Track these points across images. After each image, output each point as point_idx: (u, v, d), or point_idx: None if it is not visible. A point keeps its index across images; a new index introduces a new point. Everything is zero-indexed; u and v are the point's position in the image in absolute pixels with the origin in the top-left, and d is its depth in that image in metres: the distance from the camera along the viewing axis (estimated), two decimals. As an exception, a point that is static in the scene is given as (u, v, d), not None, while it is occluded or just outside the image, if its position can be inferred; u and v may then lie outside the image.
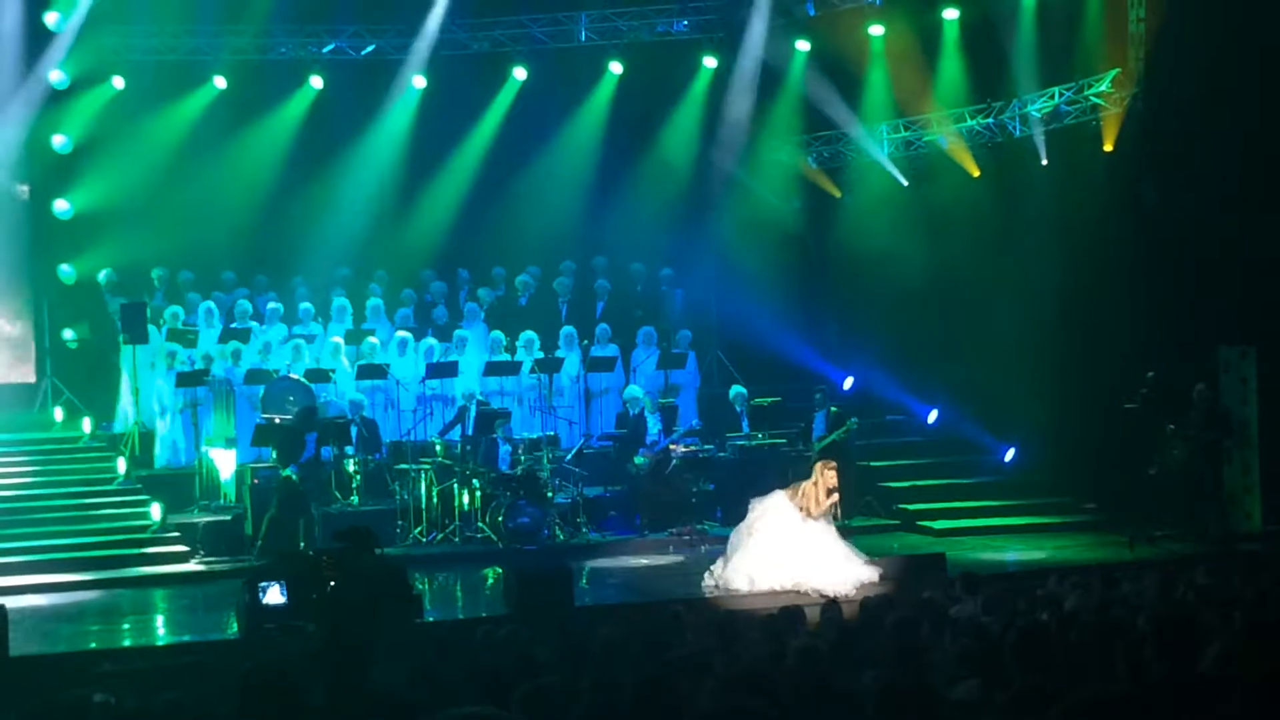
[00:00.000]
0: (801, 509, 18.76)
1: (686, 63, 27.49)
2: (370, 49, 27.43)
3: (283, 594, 16.23)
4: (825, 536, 18.80)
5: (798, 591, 17.95)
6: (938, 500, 23.79)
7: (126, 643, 17.53)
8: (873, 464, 24.52)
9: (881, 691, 7.09)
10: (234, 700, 7.43)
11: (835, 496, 18.95)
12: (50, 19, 25.08)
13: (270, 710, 6.42)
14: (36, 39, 25.11)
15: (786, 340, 25.89)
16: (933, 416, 25.78)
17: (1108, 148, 23.14)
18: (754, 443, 23.82)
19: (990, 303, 24.50)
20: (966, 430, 25.02)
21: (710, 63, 27.31)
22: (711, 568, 18.95)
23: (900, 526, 23.29)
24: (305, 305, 25.40)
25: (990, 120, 24.56)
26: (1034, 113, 23.90)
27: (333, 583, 16.17)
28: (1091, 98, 23.25)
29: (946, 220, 25.11)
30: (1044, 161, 23.97)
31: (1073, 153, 23.74)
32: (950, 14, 24.75)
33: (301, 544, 20.25)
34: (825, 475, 18.89)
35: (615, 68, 27.46)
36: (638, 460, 23.15)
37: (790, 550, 18.56)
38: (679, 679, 7.78)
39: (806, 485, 18.91)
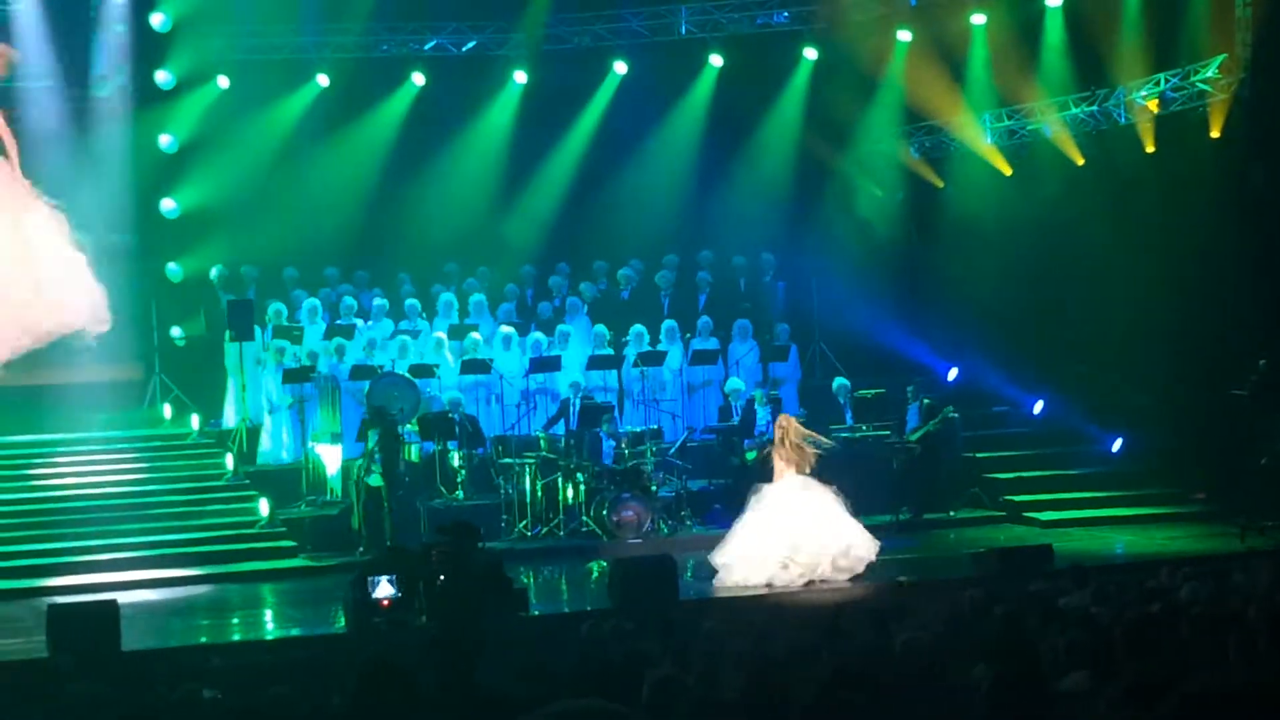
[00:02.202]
0: (795, 467, 18.80)
1: (787, 54, 27.37)
2: (471, 45, 27.53)
3: (394, 588, 16.31)
4: (830, 506, 18.96)
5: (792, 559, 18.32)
6: (1044, 491, 23.59)
7: (236, 637, 17.72)
8: (978, 455, 24.36)
9: (993, 683, 7.04)
10: (343, 694, 7.47)
11: (802, 440, 18.95)
12: (156, 20, 25.38)
13: (385, 703, 6.45)
14: (143, 40, 25.40)
15: (889, 332, 25.76)
16: (1039, 407, 25.56)
17: (1214, 134, 22.86)
18: (858, 435, 23.72)
19: (1096, 292, 24.29)
20: (1073, 420, 24.80)
21: (811, 54, 27.18)
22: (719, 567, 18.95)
23: (1006, 518, 23.13)
24: (409, 301, 25.53)
25: (1094, 108, 24.31)
26: (1139, 100, 23.64)
27: (442, 577, 16.25)
28: (1198, 84, 22.97)
29: (1050, 209, 24.92)
30: (1149, 149, 23.71)
31: (1179, 140, 23.47)
32: (1053, 1, 24.52)
33: (388, 540, 20.46)
34: (786, 429, 18.98)
35: (716, 60, 27.41)
36: (748, 454, 23.09)
37: (790, 518, 18.72)
38: (785, 672, 7.76)
39: (780, 450, 18.90)
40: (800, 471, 18.89)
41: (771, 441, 19.24)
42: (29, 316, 24.26)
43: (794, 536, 18.65)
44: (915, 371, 24.93)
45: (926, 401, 23.58)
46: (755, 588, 18.34)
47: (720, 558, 18.79)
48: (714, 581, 18.66)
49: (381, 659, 6.57)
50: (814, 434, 19.31)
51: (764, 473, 19.33)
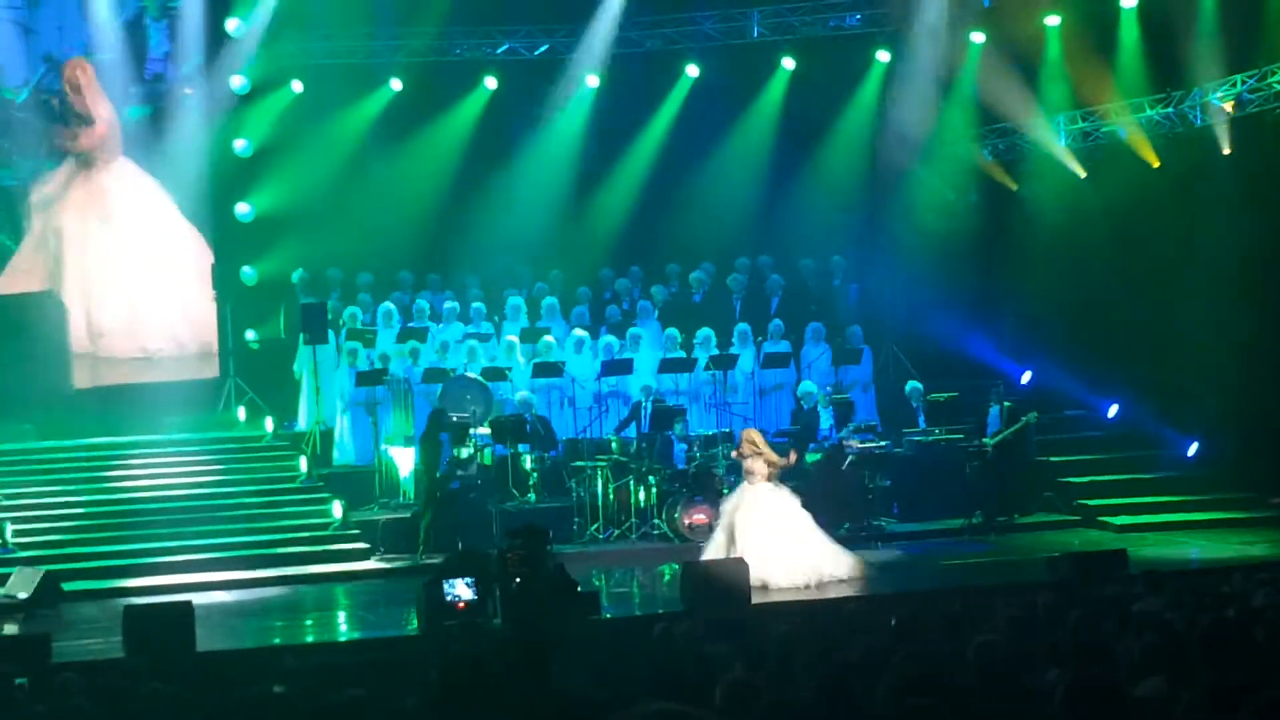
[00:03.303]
0: (766, 477, 18.83)
1: (860, 57, 27.30)
2: (543, 49, 27.59)
3: (471, 590, 16.36)
4: (806, 524, 19.06)
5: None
6: (1119, 496, 23.44)
7: (309, 639, 17.81)
8: (1052, 459, 24.23)
9: (1069, 689, 7.00)
10: (425, 689, 7.49)
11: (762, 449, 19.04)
12: (231, 25, 25.57)
13: (467, 702, 6.47)
14: (218, 45, 25.60)
15: (963, 335, 25.66)
16: (1113, 411, 25.40)
17: (1292, 135, 22.69)
18: (931, 438, 23.63)
19: (1172, 294, 24.10)
20: (1148, 424, 24.63)
21: (884, 57, 27.10)
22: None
23: (1080, 522, 23.00)
24: (481, 304, 25.60)
25: (1170, 110, 24.13)
26: (1215, 101, 23.45)
27: (518, 579, 16.30)
28: (1275, 85, 22.76)
29: (1126, 212, 24.74)
30: (1226, 151, 23.51)
31: (1255, 141, 23.28)
32: (1128, 2, 24.35)
33: (459, 542, 20.61)
34: (749, 442, 19.07)
35: (788, 63, 27.37)
36: (809, 457, 23.05)
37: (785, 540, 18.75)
38: (858, 676, 7.74)
39: (749, 463, 18.95)
40: (772, 478, 18.92)
41: (742, 457, 19.21)
42: (172, 328, 25.04)
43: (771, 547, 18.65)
44: (989, 375, 24.80)
45: (1008, 405, 23.44)
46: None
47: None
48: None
49: (468, 656, 6.60)
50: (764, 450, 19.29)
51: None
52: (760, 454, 19.04)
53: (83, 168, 25.64)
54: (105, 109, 25.54)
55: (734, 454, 19.66)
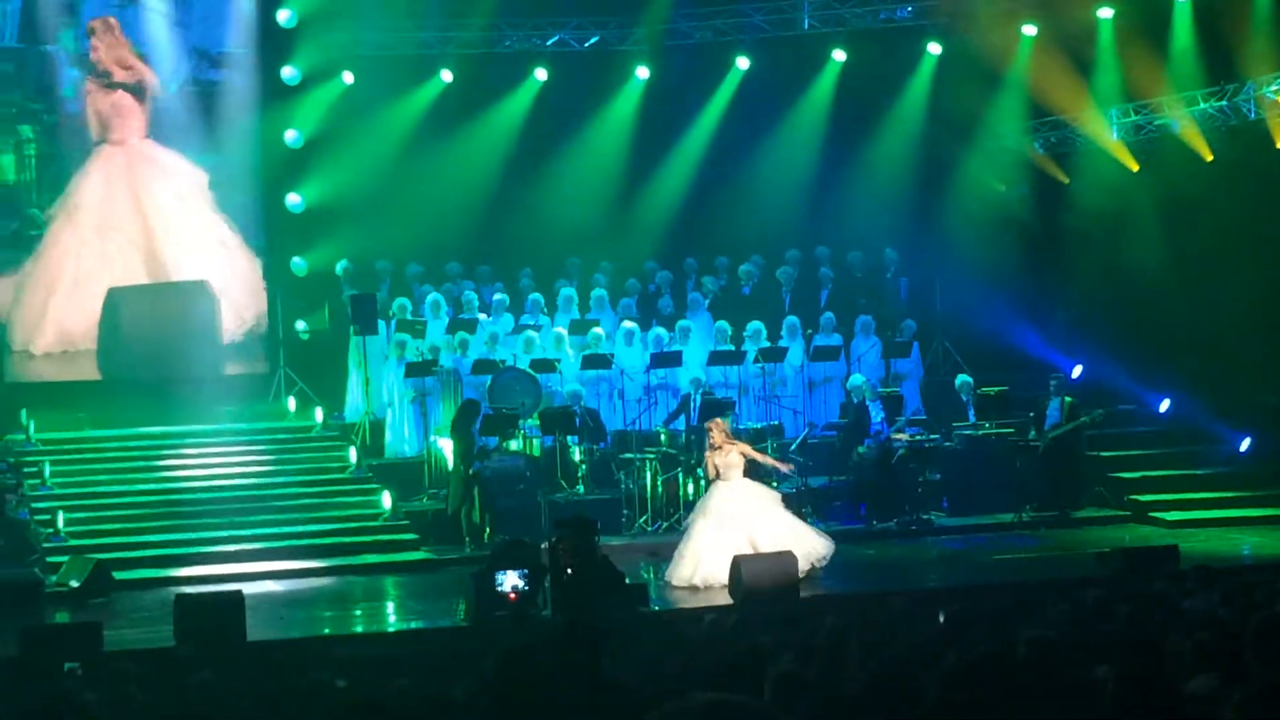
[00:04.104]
0: (731, 467, 18.81)
1: (911, 49, 27.24)
2: (594, 41, 27.60)
3: (523, 581, 16.40)
4: (774, 506, 18.99)
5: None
6: (1170, 491, 23.34)
7: (358, 629, 17.89)
8: (1103, 454, 24.13)
9: (1119, 684, 6.96)
10: (471, 685, 7.50)
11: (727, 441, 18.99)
12: (282, 16, 25.68)
13: (521, 695, 6.46)
14: (269, 36, 25.70)
15: (1013, 328, 25.57)
16: (1165, 406, 25.27)
17: (1347, 129, 22.53)
18: (980, 432, 23.57)
19: (1224, 289, 23.98)
20: (1200, 419, 24.48)
21: (934, 49, 27.03)
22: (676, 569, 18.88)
23: (1131, 518, 22.91)
24: (532, 296, 25.62)
25: (1224, 103, 23.99)
26: (1270, 95, 23.30)
27: (569, 570, 16.32)
28: (1330, 78, 22.64)
29: (1178, 206, 24.61)
30: (1279, 145, 23.36)
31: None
32: (1182, -5, 24.26)
33: (486, 534, 20.68)
34: (722, 431, 18.99)
35: (838, 55, 27.30)
36: (860, 450, 23.01)
37: (741, 518, 18.69)
38: (908, 669, 7.72)
39: (716, 457, 18.89)
40: (739, 470, 18.92)
41: (714, 447, 19.10)
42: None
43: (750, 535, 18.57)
44: (1039, 369, 24.71)
45: (1069, 400, 23.33)
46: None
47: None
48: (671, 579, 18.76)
49: (525, 646, 6.59)
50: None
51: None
52: (734, 444, 18.97)
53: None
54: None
55: (712, 446, 19.18)
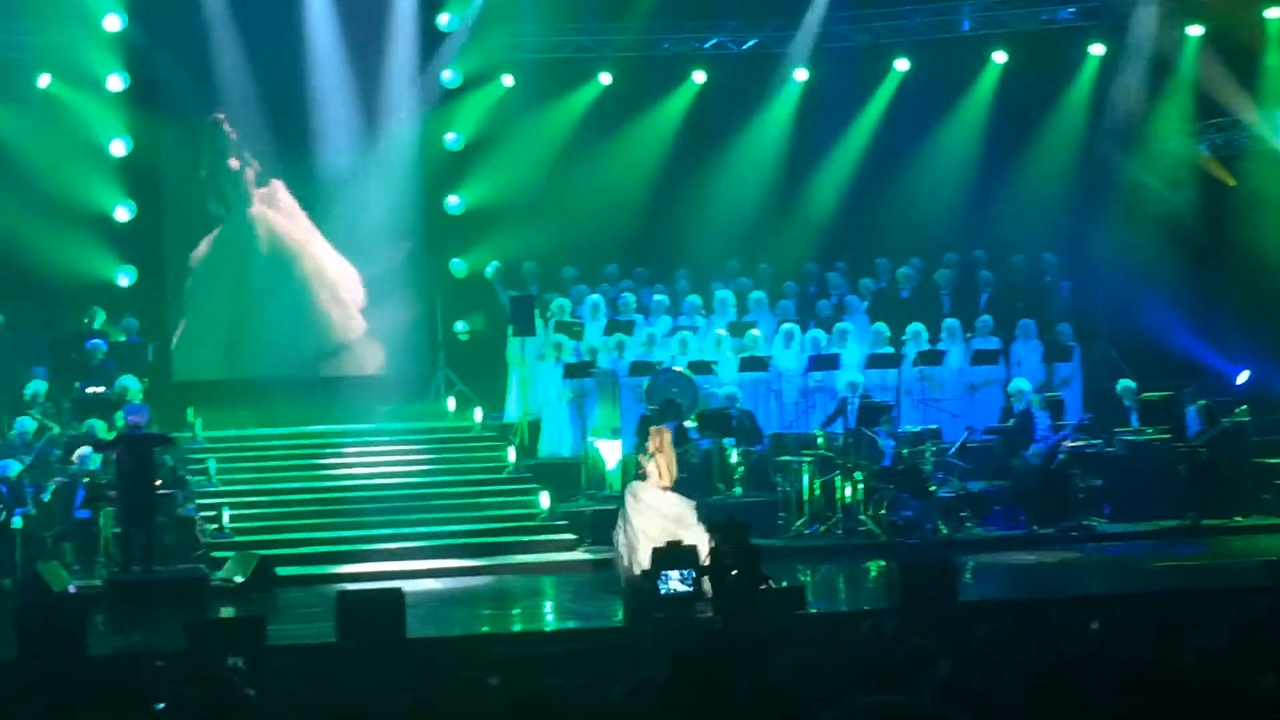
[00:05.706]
0: (659, 483, 18.31)
1: (1072, 51, 26.95)
2: (752, 43, 27.58)
3: (686, 582, 16.41)
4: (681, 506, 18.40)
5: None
6: (1339, 499, 22.89)
7: (516, 628, 17.98)
8: (1269, 460, 23.68)
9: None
10: (634, 684, 7.52)
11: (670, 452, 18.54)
12: (443, 20, 25.97)
13: (689, 696, 6.48)
14: (429, 39, 25.97)
15: (1178, 334, 25.20)
16: (1334, 411, 24.79)
17: None
18: (1143, 438, 23.25)
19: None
20: (1373, 427, 24.00)
21: (1097, 50, 26.71)
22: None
23: (1299, 525, 22.50)
24: (690, 298, 25.65)
25: (1398, 103, 23.53)
26: None
27: (734, 571, 16.31)
28: None
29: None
30: None
31: None
32: (1352, -6, 23.80)
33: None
34: (660, 441, 18.50)
35: (999, 57, 27.07)
36: (1025, 455, 22.77)
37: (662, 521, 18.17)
38: (1071, 678, 7.63)
39: (656, 461, 18.34)
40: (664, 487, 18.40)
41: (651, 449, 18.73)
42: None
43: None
44: (1204, 374, 24.33)
45: (1203, 403, 22.99)
46: None
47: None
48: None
49: (697, 647, 6.61)
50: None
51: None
52: (664, 455, 18.53)
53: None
54: None
55: (649, 448, 18.62)
